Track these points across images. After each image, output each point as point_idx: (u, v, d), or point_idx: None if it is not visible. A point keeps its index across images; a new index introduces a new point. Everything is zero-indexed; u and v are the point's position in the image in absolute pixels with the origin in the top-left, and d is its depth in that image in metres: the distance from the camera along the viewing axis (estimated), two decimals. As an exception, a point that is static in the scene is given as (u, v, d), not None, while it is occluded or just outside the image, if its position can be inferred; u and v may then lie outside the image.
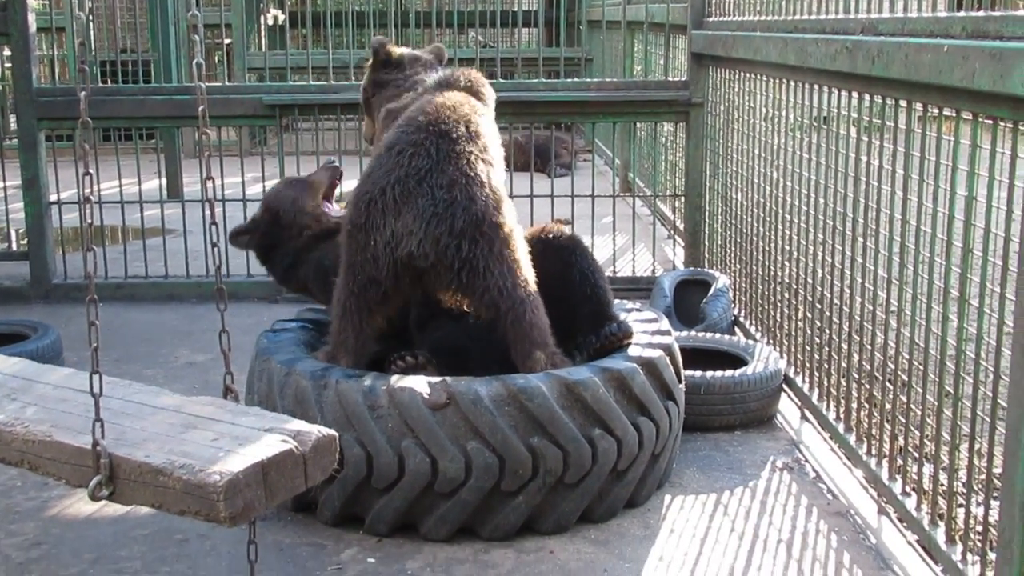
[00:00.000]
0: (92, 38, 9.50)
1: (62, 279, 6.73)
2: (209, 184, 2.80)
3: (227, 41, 12.50)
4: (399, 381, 3.51)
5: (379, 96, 4.52)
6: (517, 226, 3.77)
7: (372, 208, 3.63)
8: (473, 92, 4.11)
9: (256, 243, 4.56)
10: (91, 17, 10.11)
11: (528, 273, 3.72)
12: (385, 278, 3.64)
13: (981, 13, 2.99)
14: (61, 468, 2.58)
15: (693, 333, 5.12)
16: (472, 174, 3.66)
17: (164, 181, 7.67)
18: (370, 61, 4.64)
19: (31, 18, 6.45)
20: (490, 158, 3.80)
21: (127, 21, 12.22)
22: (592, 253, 4.13)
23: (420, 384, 3.48)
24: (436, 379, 3.51)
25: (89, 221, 2.66)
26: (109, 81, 9.85)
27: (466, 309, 3.85)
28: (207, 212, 2.92)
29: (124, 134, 8.78)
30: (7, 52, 7.36)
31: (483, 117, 3.98)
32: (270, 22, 13.50)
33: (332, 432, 2.59)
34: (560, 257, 3.98)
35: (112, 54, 11.02)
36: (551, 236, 4.04)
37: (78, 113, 2.66)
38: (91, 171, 2.69)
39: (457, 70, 4.26)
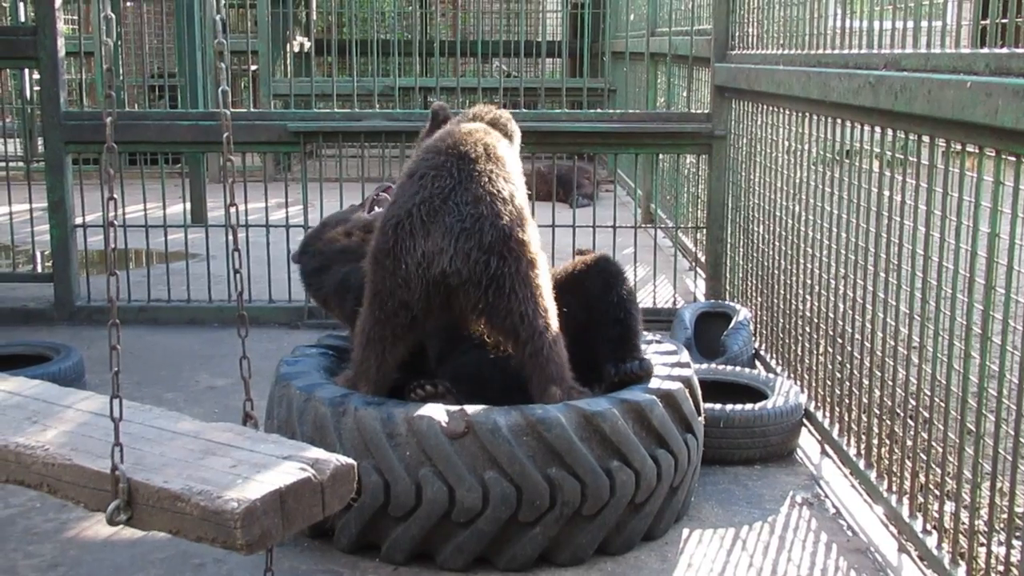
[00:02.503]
0: (120, 63, 9.60)
1: (86, 301, 6.78)
2: (233, 210, 2.82)
3: (253, 67, 12.60)
4: (418, 409, 3.51)
5: None
6: (542, 253, 3.79)
7: (400, 231, 3.64)
8: (498, 126, 4.14)
9: (300, 247, 4.68)
10: (119, 43, 10.21)
11: (549, 303, 3.73)
12: (416, 301, 3.63)
13: (1005, 50, 2.99)
14: (80, 492, 2.59)
15: (713, 366, 5.11)
16: (495, 191, 3.68)
17: (189, 206, 7.72)
18: (427, 125, 4.64)
19: (60, 42, 6.53)
20: (512, 179, 3.82)
21: (155, 47, 12.35)
22: (631, 283, 4.13)
23: (439, 413, 3.48)
24: (455, 408, 3.51)
25: (113, 245, 2.68)
26: (146, 103, 9.94)
27: (486, 338, 3.86)
28: (230, 238, 2.94)
29: (150, 158, 8.86)
30: (36, 76, 7.44)
31: (503, 144, 4.00)
32: (296, 49, 13.61)
33: (350, 461, 2.59)
34: (602, 279, 3.99)
35: (140, 79, 11.13)
36: (596, 258, 4.07)
37: (104, 137, 2.69)
38: (115, 196, 2.71)
39: (484, 108, 4.29)
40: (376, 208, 4.55)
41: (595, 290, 3.95)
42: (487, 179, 3.69)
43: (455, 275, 3.58)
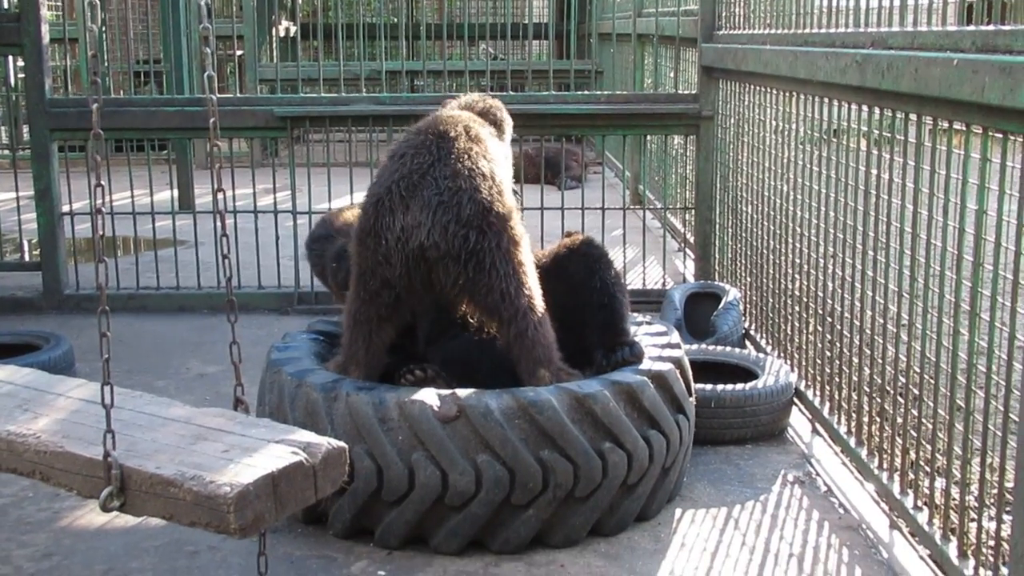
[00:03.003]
0: (105, 49, 9.55)
1: (74, 290, 6.76)
2: (220, 196, 2.81)
3: (239, 52, 12.56)
4: (409, 394, 3.52)
5: None
6: (525, 234, 3.79)
7: (380, 208, 3.66)
8: (488, 116, 4.14)
9: (314, 243, 4.69)
10: (104, 28, 10.16)
11: (533, 283, 3.72)
12: (398, 278, 3.64)
13: (991, 27, 2.99)
14: (73, 479, 2.59)
15: (704, 346, 5.12)
16: (474, 167, 3.69)
17: (176, 192, 7.70)
18: None
19: (44, 29, 6.49)
20: (492, 159, 3.82)
21: (140, 32, 12.29)
22: (616, 266, 4.13)
23: (430, 397, 3.48)
24: (446, 392, 3.52)
25: (101, 232, 2.67)
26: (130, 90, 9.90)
27: (471, 319, 3.86)
28: (218, 224, 2.93)
29: (136, 145, 8.82)
30: (20, 63, 7.40)
31: (486, 130, 4.01)
32: (282, 34, 13.57)
33: (342, 444, 2.60)
34: (585, 264, 3.99)
35: (125, 65, 11.07)
36: (578, 243, 4.07)
37: (90, 124, 2.68)
38: (103, 183, 2.71)
39: (477, 96, 4.30)
40: None
41: (579, 275, 3.95)
42: (466, 155, 3.71)
43: (433, 248, 3.58)
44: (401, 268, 3.62)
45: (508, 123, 4.28)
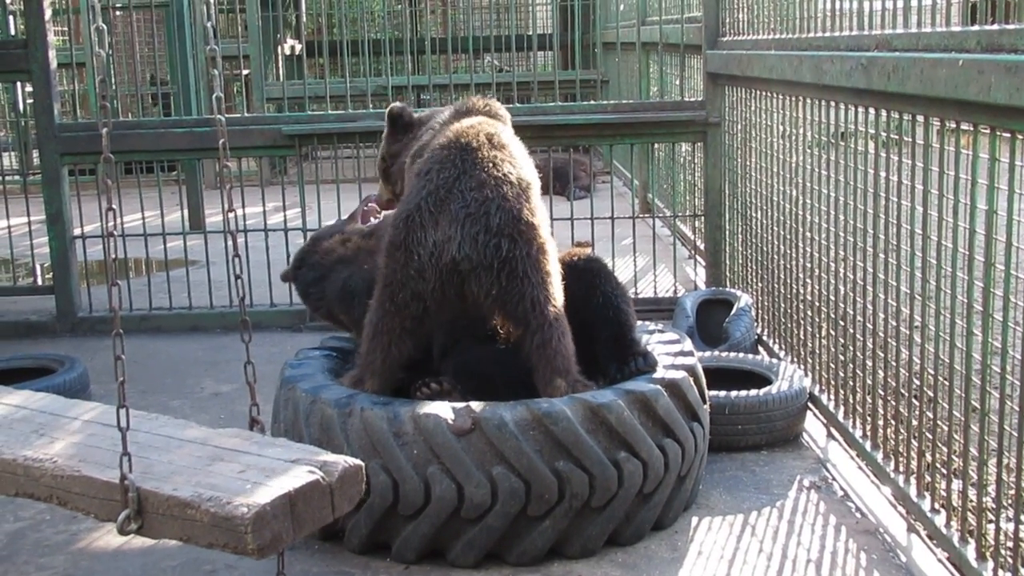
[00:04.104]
0: (112, 73, 9.59)
1: (87, 312, 6.78)
2: (231, 216, 2.82)
3: (245, 72, 12.60)
4: (424, 407, 3.52)
5: (397, 165, 4.46)
6: (551, 238, 3.80)
7: (411, 224, 3.68)
8: (491, 114, 4.16)
9: (293, 264, 4.71)
10: (111, 52, 10.21)
11: (558, 291, 3.74)
12: (431, 292, 3.65)
13: (995, 27, 2.99)
14: (90, 503, 2.60)
15: (716, 353, 5.11)
16: (500, 175, 3.71)
17: (186, 213, 7.73)
18: (385, 131, 4.60)
19: (52, 54, 6.53)
20: (517, 163, 3.85)
21: (146, 55, 12.35)
22: (616, 276, 4.13)
23: (445, 410, 3.49)
24: (461, 405, 3.52)
25: (114, 256, 2.69)
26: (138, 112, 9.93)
27: (499, 329, 3.86)
28: (229, 243, 2.94)
29: (146, 167, 8.86)
30: (29, 89, 7.44)
31: (507, 132, 4.06)
32: (287, 52, 13.61)
33: (358, 462, 2.60)
34: (584, 280, 3.99)
35: (133, 87, 11.12)
36: (575, 259, 4.06)
37: (100, 148, 2.69)
38: (114, 206, 2.72)
39: (471, 98, 4.30)
40: (372, 219, 4.54)
41: (580, 291, 3.93)
42: (491, 164, 3.73)
43: (465, 261, 3.60)
44: (435, 282, 3.64)
45: (508, 118, 4.31)
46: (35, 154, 8.29)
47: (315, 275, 4.52)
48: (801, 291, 5.02)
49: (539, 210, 3.78)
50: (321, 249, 4.56)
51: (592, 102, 7.85)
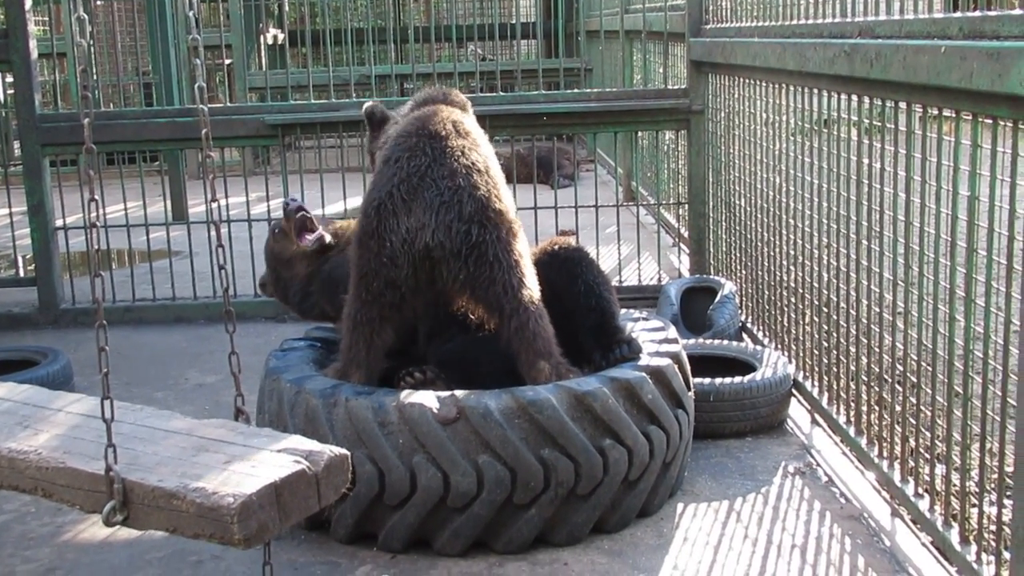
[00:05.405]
0: (93, 63, 9.54)
1: (70, 304, 6.75)
2: (214, 206, 2.81)
3: (228, 61, 12.54)
4: (409, 397, 3.52)
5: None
6: (518, 220, 3.83)
7: (382, 211, 3.69)
8: (451, 103, 4.18)
9: (272, 292, 4.76)
10: (92, 42, 10.15)
11: (531, 275, 3.75)
12: (404, 278, 3.67)
13: (977, 13, 3.00)
14: (75, 494, 2.58)
15: (701, 340, 5.13)
16: (470, 163, 3.75)
17: (169, 203, 7.69)
18: (368, 129, 4.63)
19: (32, 44, 6.48)
20: (482, 151, 3.89)
21: (128, 45, 12.28)
22: (598, 264, 4.14)
23: (430, 399, 3.49)
24: (446, 394, 3.52)
25: (97, 247, 2.67)
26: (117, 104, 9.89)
27: (471, 315, 3.87)
28: (213, 234, 2.93)
29: (128, 157, 8.81)
30: (9, 79, 7.39)
31: (470, 120, 4.10)
32: (270, 41, 13.55)
33: (344, 451, 2.60)
34: (566, 269, 3.99)
35: (114, 78, 11.07)
36: (556, 249, 4.07)
37: (82, 139, 2.68)
38: (96, 197, 2.70)
39: (430, 87, 4.35)
40: (307, 236, 4.48)
41: (561, 281, 3.95)
42: (460, 153, 3.77)
43: (438, 248, 3.63)
44: (408, 268, 3.66)
45: (468, 105, 4.35)
46: (16, 145, 8.25)
47: (300, 295, 4.58)
48: (785, 278, 5.03)
49: (506, 195, 3.83)
50: (287, 272, 4.60)
51: (576, 90, 7.85)
